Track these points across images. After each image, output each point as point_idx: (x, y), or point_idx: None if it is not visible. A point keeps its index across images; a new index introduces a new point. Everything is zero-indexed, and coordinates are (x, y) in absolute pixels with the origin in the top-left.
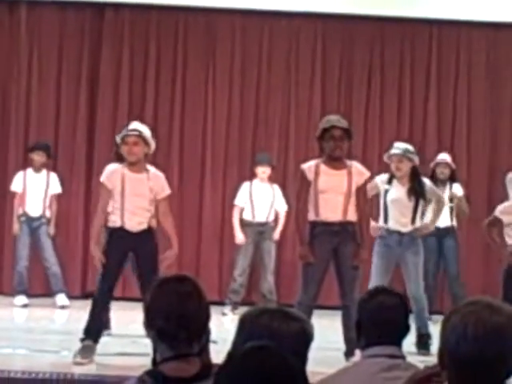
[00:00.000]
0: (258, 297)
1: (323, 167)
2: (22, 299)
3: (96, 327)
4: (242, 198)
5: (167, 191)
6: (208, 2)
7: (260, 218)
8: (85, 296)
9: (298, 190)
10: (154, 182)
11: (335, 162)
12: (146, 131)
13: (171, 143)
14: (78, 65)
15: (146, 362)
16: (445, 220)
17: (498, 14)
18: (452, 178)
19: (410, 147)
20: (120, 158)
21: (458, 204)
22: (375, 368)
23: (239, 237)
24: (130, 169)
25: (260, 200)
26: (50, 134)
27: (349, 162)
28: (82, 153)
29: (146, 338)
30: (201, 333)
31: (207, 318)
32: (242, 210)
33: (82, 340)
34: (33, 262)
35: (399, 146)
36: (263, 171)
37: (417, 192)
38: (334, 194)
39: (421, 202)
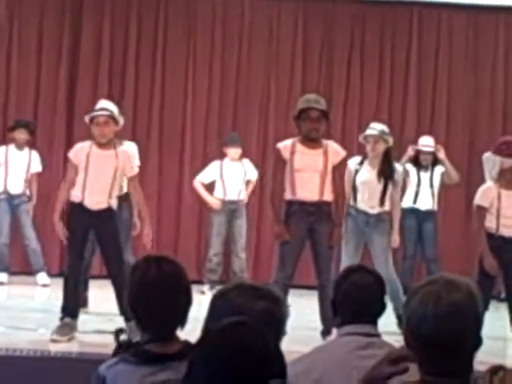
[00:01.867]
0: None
1: (299, 146)
2: (2, 276)
3: (72, 303)
4: (207, 175)
5: (135, 169)
6: None
7: (231, 196)
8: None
9: (273, 169)
10: (122, 160)
11: (311, 141)
12: (114, 109)
13: (151, 119)
14: (58, 38)
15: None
16: (426, 203)
17: None
18: (434, 162)
19: (385, 128)
20: None
21: (444, 177)
22: (350, 346)
23: (214, 201)
24: (97, 145)
25: (231, 178)
26: (29, 109)
27: (325, 142)
28: (61, 129)
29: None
30: (184, 318)
31: (189, 300)
32: (202, 185)
33: (61, 319)
34: (12, 239)
35: (375, 127)
36: (236, 152)
37: (386, 174)
38: (310, 172)
39: (389, 185)
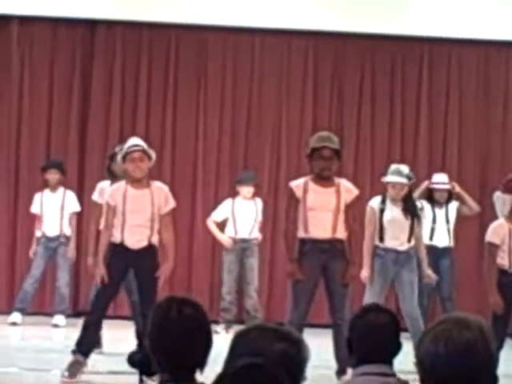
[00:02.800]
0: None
1: (312, 185)
2: (16, 317)
3: (88, 341)
4: (220, 214)
5: (171, 205)
6: (200, 19)
7: (243, 234)
8: (76, 314)
9: (286, 208)
10: (158, 196)
11: (324, 180)
12: (144, 145)
13: (163, 160)
14: (69, 81)
15: (136, 381)
16: (442, 240)
17: (488, 32)
18: (449, 198)
19: (408, 171)
20: (112, 175)
21: (460, 209)
22: None
23: (226, 239)
24: (132, 185)
25: (243, 217)
26: (41, 151)
27: (337, 180)
28: (73, 170)
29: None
30: (203, 360)
31: (209, 344)
32: (215, 224)
33: (74, 352)
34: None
35: (402, 172)
36: (248, 191)
37: (412, 211)
38: (322, 211)
39: (416, 221)
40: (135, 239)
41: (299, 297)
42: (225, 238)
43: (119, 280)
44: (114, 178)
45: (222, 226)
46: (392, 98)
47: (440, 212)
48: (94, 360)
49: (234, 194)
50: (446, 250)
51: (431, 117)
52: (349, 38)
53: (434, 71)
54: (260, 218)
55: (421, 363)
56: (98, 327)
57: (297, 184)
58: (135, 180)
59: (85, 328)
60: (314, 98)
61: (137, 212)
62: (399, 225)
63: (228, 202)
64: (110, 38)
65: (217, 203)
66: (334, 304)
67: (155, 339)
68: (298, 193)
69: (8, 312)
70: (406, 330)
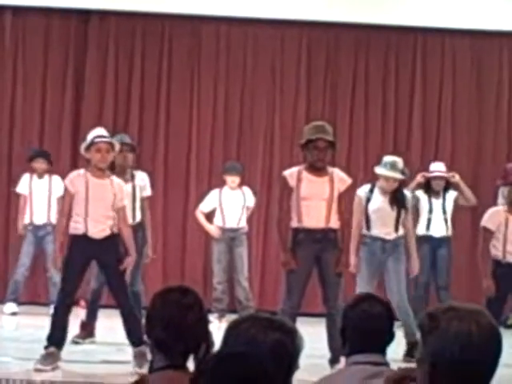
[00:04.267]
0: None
1: (305, 174)
2: (12, 307)
3: (59, 333)
4: (207, 204)
5: (124, 202)
6: (193, 9)
7: (231, 223)
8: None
9: (279, 197)
10: (117, 190)
11: (317, 169)
12: (110, 137)
13: (156, 150)
14: (62, 72)
15: (130, 370)
16: (439, 230)
17: (481, 22)
18: (446, 188)
19: (403, 166)
20: (112, 167)
21: (457, 199)
22: (359, 375)
23: (213, 229)
24: (93, 174)
25: (230, 206)
26: (34, 141)
27: (330, 169)
28: (66, 161)
29: (129, 346)
30: (198, 346)
31: (206, 331)
32: (204, 215)
33: (46, 347)
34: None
35: (398, 167)
36: (232, 180)
37: (399, 202)
38: (316, 200)
39: (402, 212)
40: (98, 229)
41: (292, 286)
42: (212, 229)
43: (81, 271)
44: (113, 169)
45: (211, 216)
46: (385, 89)
47: (437, 202)
48: (88, 350)
49: (222, 184)
50: (443, 239)
51: (424, 107)
52: (342, 28)
53: (428, 61)
54: (249, 205)
55: (443, 351)
56: (67, 318)
57: (290, 173)
58: (98, 169)
59: (53, 320)
60: (307, 88)
61: (100, 201)
62: (384, 214)
63: (215, 192)
64: (104, 29)
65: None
66: (328, 294)
67: (152, 323)
68: (292, 182)
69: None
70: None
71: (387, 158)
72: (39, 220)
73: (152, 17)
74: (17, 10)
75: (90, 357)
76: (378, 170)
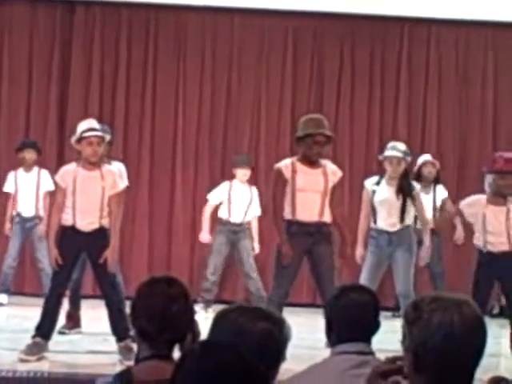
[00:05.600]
0: (229, 295)
1: (300, 166)
2: (2, 298)
3: (48, 324)
4: (216, 196)
5: (118, 188)
6: None
7: (235, 218)
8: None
9: (274, 189)
10: (107, 180)
11: (311, 161)
12: (98, 127)
13: (142, 141)
14: (48, 61)
15: (115, 360)
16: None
17: (468, 12)
18: (436, 180)
19: (406, 149)
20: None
21: (442, 206)
22: (344, 365)
23: (204, 237)
24: (84, 167)
25: (237, 201)
26: (20, 132)
27: (323, 162)
28: (52, 151)
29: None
30: (184, 336)
31: (191, 321)
32: (213, 208)
33: (33, 337)
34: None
35: (399, 148)
36: (244, 173)
37: (405, 191)
38: (311, 192)
39: (408, 201)
40: (86, 221)
41: (282, 277)
42: (204, 236)
43: (72, 263)
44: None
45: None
46: (371, 79)
47: (427, 198)
48: (74, 340)
49: (223, 175)
50: (432, 232)
51: (410, 97)
52: (328, 18)
53: (414, 51)
54: (254, 203)
55: (424, 342)
56: (57, 310)
57: (285, 164)
58: (89, 163)
59: (44, 311)
60: (293, 77)
61: (87, 194)
62: (389, 205)
63: (225, 184)
64: (89, 18)
65: (195, 184)
66: (323, 287)
67: (141, 315)
68: (287, 173)
69: None
70: (386, 309)
71: (389, 144)
72: (27, 212)
73: (137, 6)
74: (1, 1)
75: (75, 347)
76: (381, 155)
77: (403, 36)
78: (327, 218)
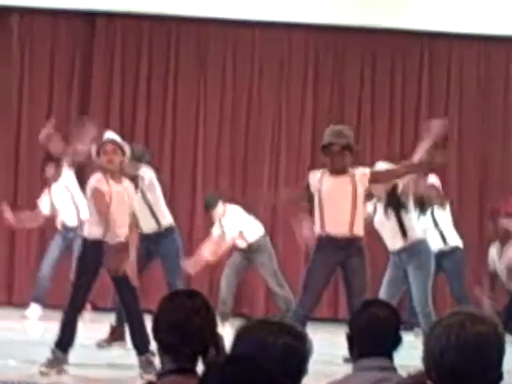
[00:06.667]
0: (249, 309)
1: (326, 176)
2: (35, 309)
3: (67, 338)
4: (235, 228)
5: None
6: (200, 12)
7: (250, 238)
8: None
9: (299, 198)
10: (131, 193)
11: (338, 172)
12: (119, 140)
13: (162, 155)
14: (69, 73)
15: (136, 374)
16: (436, 244)
17: (489, 27)
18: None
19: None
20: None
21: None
22: (366, 381)
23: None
24: (113, 179)
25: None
26: (40, 145)
27: (351, 170)
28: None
29: None
30: (206, 348)
31: (214, 334)
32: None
33: (52, 351)
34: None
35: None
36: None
37: (394, 206)
38: (339, 202)
39: (402, 213)
40: (115, 235)
41: (308, 287)
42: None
43: (94, 276)
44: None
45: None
46: (392, 93)
47: (425, 218)
48: (94, 353)
49: (233, 187)
50: (443, 253)
51: (431, 111)
52: (349, 32)
53: (435, 66)
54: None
55: (429, 353)
56: (76, 323)
57: (313, 174)
58: (112, 174)
59: (63, 324)
60: (314, 91)
61: (121, 207)
62: (385, 228)
63: (237, 211)
64: (110, 30)
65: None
66: (353, 302)
67: (159, 327)
68: (313, 182)
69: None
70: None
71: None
72: (70, 222)
73: (159, 19)
74: (24, 12)
75: (96, 360)
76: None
77: (424, 50)
78: (359, 230)
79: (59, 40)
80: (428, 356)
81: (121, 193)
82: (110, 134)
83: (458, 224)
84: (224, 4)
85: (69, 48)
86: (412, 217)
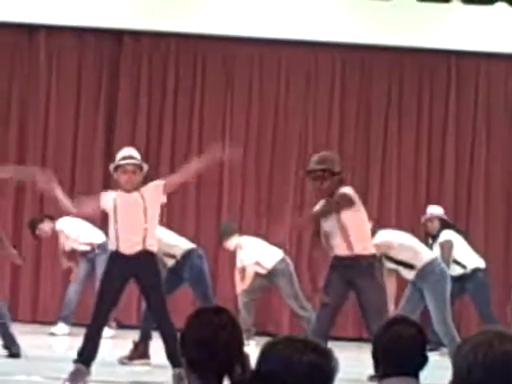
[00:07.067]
0: (274, 328)
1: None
2: (62, 327)
3: (89, 350)
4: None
5: (163, 199)
6: (226, 30)
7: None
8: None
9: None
10: (147, 194)
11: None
12: (138, 156)
13: None
14: (96, 91)
15: None
16: (456, 271)
17: None
18: (444, 226)
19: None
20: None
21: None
22: None
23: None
24: (122, 190)
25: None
26: (67, 162)
27: (336, 192)
28: (98, 181)
29: (161, 368)
30: (232, 366)
31: (240, 352)
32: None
33: (74, 362)
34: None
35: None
36: (227, 246)
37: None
38: (330, 225)
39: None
40: (128, 244)
41: (321, 309)
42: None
43: (119, 289)
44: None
45: None
46: (419, 111)
47: (434, 246)
48: (118, 370)
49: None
50: (462, 277)
51: (458, 130)
52: (376, 51)
53: (462, 84)
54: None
55: (457, 371)
56: (99, 336)
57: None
58: (126, 190)
59: (86, 337)
60: (340, 110)
61: (130, 215)
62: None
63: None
64: (137, 49)
65: (242, 215)
66: (367, 321)
67: (186, 343)
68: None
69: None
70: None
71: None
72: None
73: (185, 37)
74: (51, 30)
75: (119, 377)
76: None
77: (451, 68)
78: (362, 250)
79: (86, 57)
80: (455, 374)
81: (130, 202)
82: (130, 151)
83: (485, 239)
84: (251, 23)
85: (96, 65)
86: (405, 254)
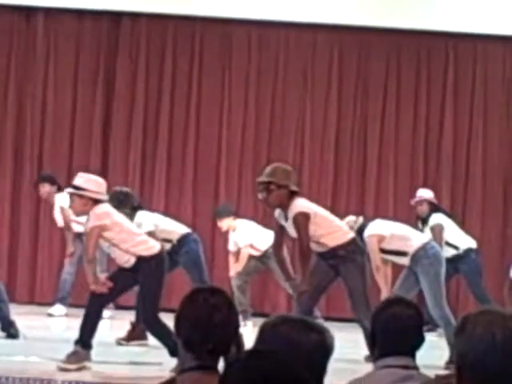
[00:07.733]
0: (270, 308)
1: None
2: (59, 308)
3: (88, 333)
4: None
5: (90, 224)
6: (225, 12)
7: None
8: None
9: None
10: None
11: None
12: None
13: (186, 153)
14: (93, 73)
15: (157, 373)
16: (449, 252)
17: None
18: (433, 210)
19: None
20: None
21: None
22: (388, 378)
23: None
24: None
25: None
26: (64, 144)
27: (291, 205)
28: (96, 161)
29: (158, 349)
30: (227, 346)
31: (235, 332)
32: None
33: (75, 344)
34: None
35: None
36: (221, 226)
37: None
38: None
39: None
40: (122, 261)
41: (299, 295)
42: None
43: (122, 289)
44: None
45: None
46: (417, 95)
47: (423, 229)
48: (116, 351)
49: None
50: (453, 258)
51: (456, 113)
52: (374, 33)
53: (460, 67)
54: (237, 246)
55: (467, 353)
56: (98, 319)
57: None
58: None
59: (85, 319)
60: (338, 92)
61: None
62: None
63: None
64: (135, 30)
65: (239, 198)
66: (352, 304)
67: (181, 323)
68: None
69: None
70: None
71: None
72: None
73: (183, 19)
74: (49, 12)
75: (118, 358)
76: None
77: (449, 51)
78: (334, 243)
79: (84, 40)
80: (463, 356)
81: None
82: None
83: (482, 223)
84: (249, 4)
85: (94, 46)
86: (397, 243)
